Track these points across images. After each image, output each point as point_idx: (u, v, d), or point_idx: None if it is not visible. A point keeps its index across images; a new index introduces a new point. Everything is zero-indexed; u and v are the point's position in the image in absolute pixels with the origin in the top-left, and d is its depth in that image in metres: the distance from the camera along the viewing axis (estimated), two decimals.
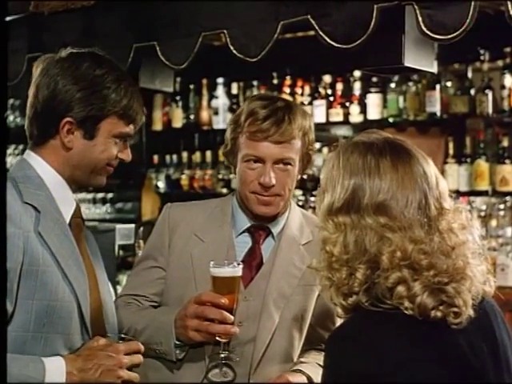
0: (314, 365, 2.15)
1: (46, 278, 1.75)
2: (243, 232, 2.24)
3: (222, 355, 2.06)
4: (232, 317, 2.02)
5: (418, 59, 2.24)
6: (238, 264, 2.05)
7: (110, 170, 1.94)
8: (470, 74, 4.70)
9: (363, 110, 5.00)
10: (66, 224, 1.86)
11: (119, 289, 3.47)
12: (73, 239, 1.86)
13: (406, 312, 1.47)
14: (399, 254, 1.48)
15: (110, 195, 5.98)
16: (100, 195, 5.94)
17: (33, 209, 1.80)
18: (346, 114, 5.06)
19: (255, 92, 5.51)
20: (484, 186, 4.60)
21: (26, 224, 1.76)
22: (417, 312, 1.47)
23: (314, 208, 2.33)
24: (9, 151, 6.03)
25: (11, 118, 6.13)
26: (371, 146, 1.59)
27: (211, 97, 5.71)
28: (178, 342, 2.11)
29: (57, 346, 1.78)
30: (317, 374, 2.07)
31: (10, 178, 1.84)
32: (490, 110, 4.56)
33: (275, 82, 5.45)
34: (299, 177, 2.24)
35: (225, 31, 2.45)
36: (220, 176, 5.59)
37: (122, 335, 1.93)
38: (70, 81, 1.85)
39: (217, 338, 2.04)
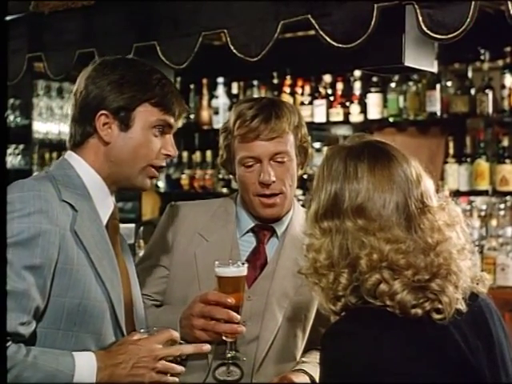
0: (315, 364, 2.15)
1: (79, 276, 1.75)
2: (247, 232, 2.24)
3: (229, 355, 2.07)
4: (238, 316, 2.02)
5: (419, 59, 2.24)
6: (243, 263, 2.05)
7: (155, 173, 1.92)
8: (470, 74, 4.70)
9: (363, 110, 5.01)
10: (102, 225, 1.86)
11: None
12: (108, 241, 1.86)
13: (389, 310, 1.50)
14: (376, 256, 1.51)
15: None
16: None
17: (70, 207, 1.80)
18: (347, 114, 5.06)
19: (255, 91, 5.52)
20: (484, 185, 4.60)
21: (63, 222, 1.76)
22: (397, 309, 1.49)
23: None
24: (9, 151, 6.03)
25: (11, 117, 6.13)
26: (351, 150, 1.62)
27: (211, 96, 5.72)
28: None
29: (88, 345, 1.77)
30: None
31: (49, 177, 1.84)
32: (490, 110, 4.57)
33: (275, 81, 5.46)
34: (299, 172, 2.24)
35: (225, 31, 2.44)
36: (220, 176, 5.59)
37: (155, 328, 1.87)
38: (101, 77, 1.88)
39: (223, 338, 2.05)
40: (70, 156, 1.90)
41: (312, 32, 2.27)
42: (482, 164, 4.61)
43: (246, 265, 2.05)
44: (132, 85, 1.87)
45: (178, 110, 1.92)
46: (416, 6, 2.06)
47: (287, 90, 5.32)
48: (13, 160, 6.06)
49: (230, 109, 5.53)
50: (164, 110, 1.89)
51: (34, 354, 1.66)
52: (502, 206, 4.49)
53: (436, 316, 1.51)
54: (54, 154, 5.93)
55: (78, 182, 1.86)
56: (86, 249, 1.78)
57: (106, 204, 1.90)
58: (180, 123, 2.02)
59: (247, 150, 2.15)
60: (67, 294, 1.74)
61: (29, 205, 1.71)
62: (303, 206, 2.34)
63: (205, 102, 5.74)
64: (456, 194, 4.45)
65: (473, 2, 1.99)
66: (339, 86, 5.12)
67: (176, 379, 1.78)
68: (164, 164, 1.94)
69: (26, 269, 1.67)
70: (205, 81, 5.75)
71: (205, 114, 5.72)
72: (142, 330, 1.83)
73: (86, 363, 1.70)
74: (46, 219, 1.72)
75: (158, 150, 1.90)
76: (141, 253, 3.75)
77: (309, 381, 2.12)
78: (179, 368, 1.79)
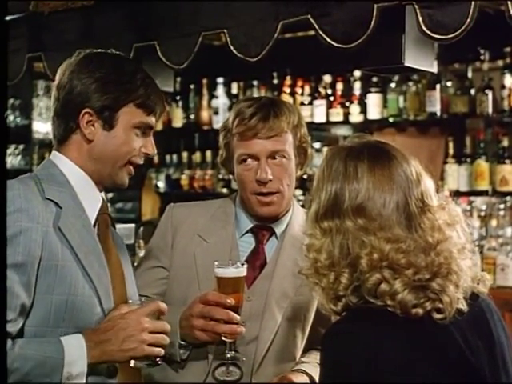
0: (315, 364, 2.16)
1: (65, 272, 1.76)
2: (246, 232, 2.24)
3: (229, 355, 2.07)
4: (238, 317, 2.03)
5: (418, 59, 2.24)
6: (243, 264, 2.05)
7: (132, 170, 1.93)
8: (470, 74, 4.70)
9: (363, 110, 5.01)
10: (88, 221, 1.87)
11: None
12: (95, 236, 1.87)
13: (390, 310, 1.50)
14: (376, 256, 1.51)
15: (110, 195, 5.98)
16: None
17: (54, 205, 1.81)
18: (346, 114, 5.07)
19: (255, 92, 5.52)
20: (484, 185, 4.60)
21: (45, 219, 1.76)
22: (398, 309, 1.50)
23: None
24: (9, 151, 6.03)
25: (11, 117, 6.14)
26: (351, 151, 1.63)
27: (211, 96, 5.72)
28: (182, 343, 2.12)
29: None
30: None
31: (33, 176, 1.86)
32: (490, 110, 4.57)
33: (275, 81, 5.46)
34: (299, 172, 2.24)
35: (225, 31, 2.45)
36: (220, 176, 5.60)
37: (143, 298, 1.89)
38: (86, 74, 1.88)
39: (223, 338, 2.05)
40: (54, 156, 1.92)
41: (312, 32, 2.27)
42: (482, 164, 4.61)
43: (245, 265, 2.05)
44: (117, 84, 1.87)
45: (159, 110, 1.94)
46: (416, 6, 2.06)
47: (287, 90, 5.32)
48: (13, 160, 6.06)
49: (229, 109, 5.53)
50: (147, 112, 1.90)
51: (20, 345, 1.67)
52: (502, 206, 4.49)
53: (437, 316, 1.51)
54: None
55: (62, 180, 1.87)
56: (71, 245, 1.78)
57: (93, 199, 1.91)
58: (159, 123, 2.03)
59: (245, 148, 2.15)
60: (54, 291, 1.74)
61: (8, 204, 1.72)
62: (303, 206, 2.34)
63: (205, 102, 5.74)
64: (456, 194, 4.45)
65: (473, 2, 1.99)
66: (339, 86, 5.12)
67: (162, 350, 1.79)
68: (141, 162, 1.94)
69: (8, 267, 1.68)
70: (205, 81, 5.76)
71: (205, 114, 5.72)
72: (130, 301, 1.84)
73: (74, 345, 1.70)
74: (27, 217, 1.73)
75: (138, 149, 1.91)
76: (141, 253, 3.76)
77: (308, 381, 2.12)
78: (166, 338, 1.80)
